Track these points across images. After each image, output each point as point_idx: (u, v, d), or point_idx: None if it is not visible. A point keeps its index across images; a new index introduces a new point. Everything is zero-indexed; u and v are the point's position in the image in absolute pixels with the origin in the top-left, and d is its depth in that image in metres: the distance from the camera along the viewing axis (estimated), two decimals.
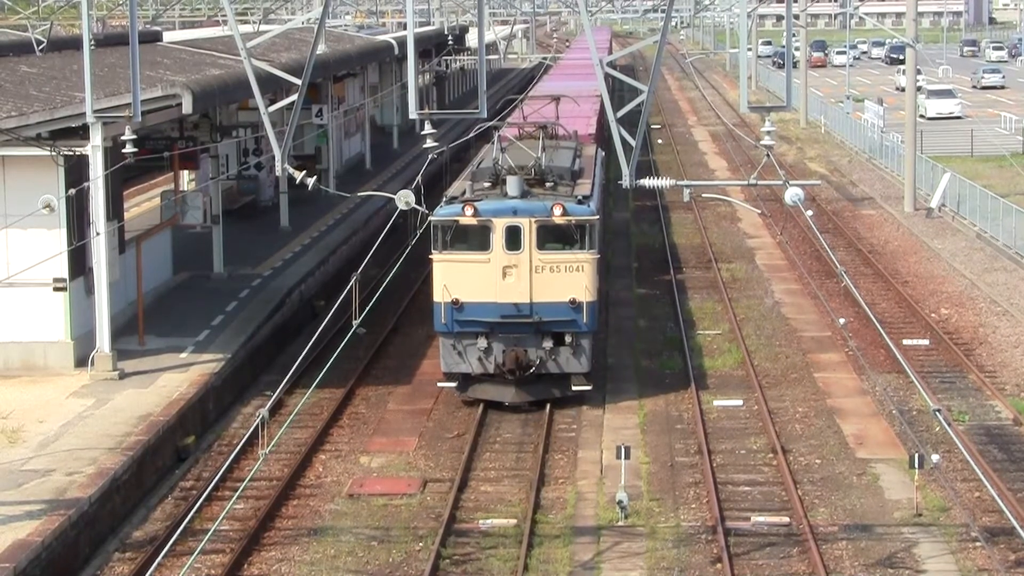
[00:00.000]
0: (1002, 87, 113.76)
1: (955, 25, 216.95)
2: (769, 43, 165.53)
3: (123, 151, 29.84)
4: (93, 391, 31.70)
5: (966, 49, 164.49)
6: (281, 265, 44.32)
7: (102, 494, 25.84)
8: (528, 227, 32.54)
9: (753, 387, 34.84)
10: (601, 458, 29.97)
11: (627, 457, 27.56)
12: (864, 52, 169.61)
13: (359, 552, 25.35)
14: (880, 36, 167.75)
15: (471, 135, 50.17)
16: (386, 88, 76.98)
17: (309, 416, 32.89)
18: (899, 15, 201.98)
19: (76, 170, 32.46)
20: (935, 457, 28.33)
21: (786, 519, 26.59)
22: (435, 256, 32.82)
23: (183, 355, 34.30)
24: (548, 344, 32.71)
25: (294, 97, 24.82)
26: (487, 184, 34.37)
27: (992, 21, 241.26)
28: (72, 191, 30.88)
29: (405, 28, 30.14)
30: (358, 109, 69.19)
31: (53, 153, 32.38)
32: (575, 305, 32.54)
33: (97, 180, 32.20)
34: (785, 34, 24.73)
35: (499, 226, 32.53)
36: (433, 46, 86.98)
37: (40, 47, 46.95)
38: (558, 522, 26.63)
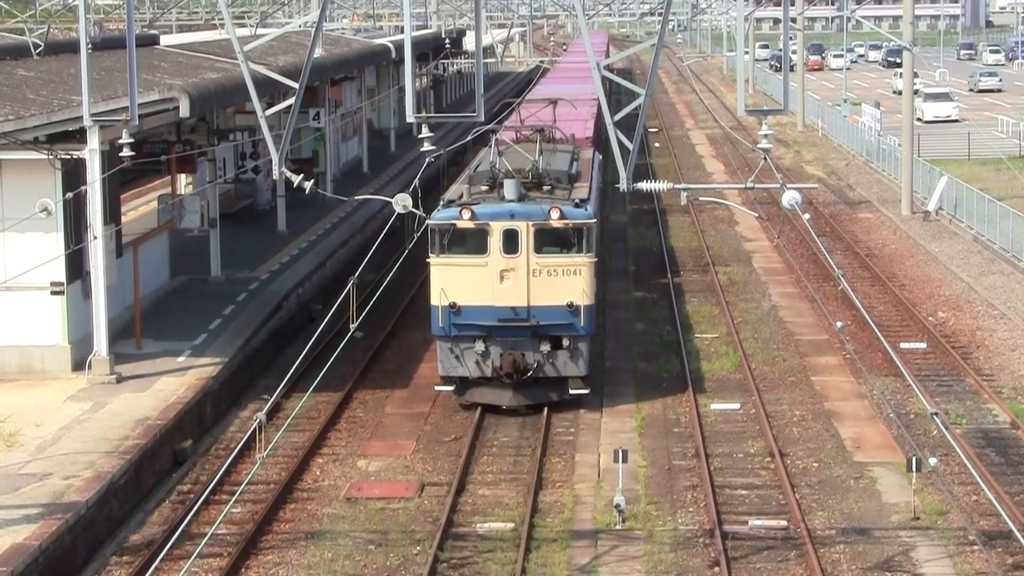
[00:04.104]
0: (999, 90, 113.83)
1: (952, 28, 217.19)
2: (766, 46, 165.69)
3: (120, 154, 29.84)
4: (90, 395, 31.68)
5: (963, 52, 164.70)
6: (278, 268, 44.31)
7: (99, 498, 25.82)
8: (525, 230, 32.53)
9: (751, 390, 34.84)
10: (599, 461, 29.97)
11: (625, 461, 27.56)
12: (861, 55, 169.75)
13: (356, 556, 25.34)
14: (877, 39, 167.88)
15: (468, 138, 50.18)
16: (383, 91, 76.97)
17: (306, 420, 32.88)
18: (896, 18, 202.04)
19: (73, 174, 32.44)
20: (933, 460, 28.34)
21: (784, 522, 26.58)
22: (432, 259, 32.82)
23: (180, 359, 34.28)
24: (545, 347, 32.71)
25: (291, 100, 24.83)
26: (484, 187, 34.38)
27: (989, 24, 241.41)
28: (69, 195, 30.88)
29: (402, 31, 30.14)
30: (355, 112, 69.19)
31: (50, 157, 32.36)
32: (572, 308, 32.54)
33: (94, 183, 32.18)
34: (782, 37, 24.74)
35: (496, 229, 32.53)
36: (430, 49, 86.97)
37: (37, 51, 46.94)
38: (556, 526, 26.62)
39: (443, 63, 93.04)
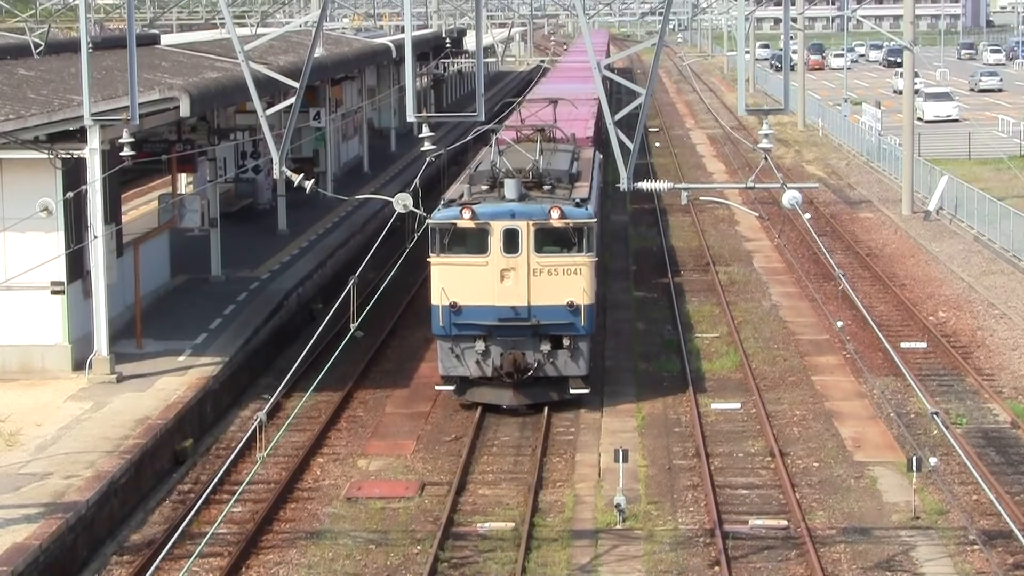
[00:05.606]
0: (999, 90, 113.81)
1: (952, 28, 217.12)
2: (767, 46, 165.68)
3: (121, 154, 29.85)
4: (91, 394, 31.68)
5: (964, 52, 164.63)
6: (279, 268, 44.31)
7: (100, 497, 25.82)
8: (526, 230, 32.53)
9: (751, 390, 34.84)
10: (599, 461, 29.97)
11: (625, 460, 27.56)
12: (862, 55, 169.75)
13: (357, 555, 25.34)
14: (878, 39, 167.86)
15: (469, 138, 50.18)
16: (384, 91, 76.96)
17: (307, 419, 32.88)
18: (897, 18, 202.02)
19: (74, 173, 32.45)
20: (933, 460, 28.35)
21: (784, 522, 26.58)
22: (433, 259, 32.82)
23: (181, 358, 34.29)
24: (546, 347, 32.71)
25: (292, 100, 24.83)
26: (485, 187, 34.38)
27: (990, 24, 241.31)
28: (70, 194, 30.86)
29: (403, 31, 30.15)
30: (356, 112, 69.18)
31: (51, 156, 32.37)
32: (573, 308, 32.54)
33: (95, 183, 32.19)
34: (783, 37, 24.74)
35: (497, 229, 32.53)
36: (431, 49, 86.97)
37: (38, 50, 46.91)
38: (556, 525, 26.62)
39: (443, 63, 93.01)
